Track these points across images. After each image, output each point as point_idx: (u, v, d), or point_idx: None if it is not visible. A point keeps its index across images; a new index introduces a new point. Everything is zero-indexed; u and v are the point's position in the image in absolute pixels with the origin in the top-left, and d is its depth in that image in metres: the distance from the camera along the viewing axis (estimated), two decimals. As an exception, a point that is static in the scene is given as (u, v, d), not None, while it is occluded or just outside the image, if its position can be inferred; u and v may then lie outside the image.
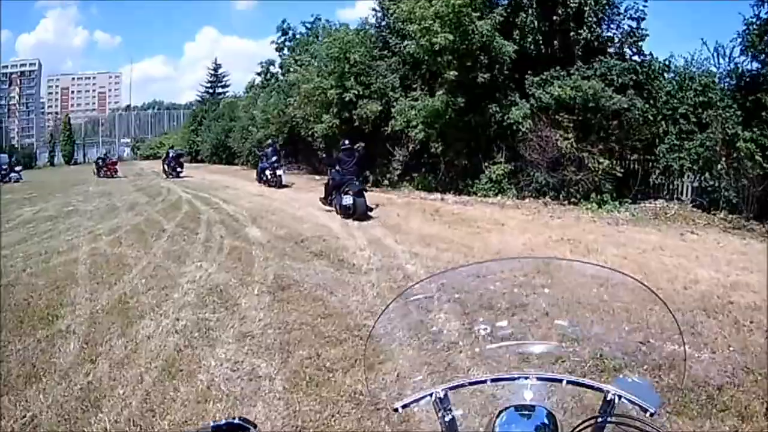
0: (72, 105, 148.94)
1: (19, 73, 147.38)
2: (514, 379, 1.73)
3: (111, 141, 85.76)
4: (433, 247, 12.30)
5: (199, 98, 68.34)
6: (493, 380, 1.75)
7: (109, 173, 44.93)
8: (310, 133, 23.95)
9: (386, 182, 22.21)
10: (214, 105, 54.90)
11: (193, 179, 32.87)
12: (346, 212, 15.81)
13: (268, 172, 26.17)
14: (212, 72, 73.08)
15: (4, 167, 60.96)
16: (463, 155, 20.20)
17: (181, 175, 35.21)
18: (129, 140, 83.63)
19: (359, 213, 15.60)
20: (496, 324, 2.14)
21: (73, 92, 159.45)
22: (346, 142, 18.08)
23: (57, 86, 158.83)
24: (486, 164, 19.56)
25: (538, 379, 1.73)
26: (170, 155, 38.69)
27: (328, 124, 21.77)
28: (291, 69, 27.27)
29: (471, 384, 1.76)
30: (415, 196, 19.66)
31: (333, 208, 16.80)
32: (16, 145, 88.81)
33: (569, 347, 2.07)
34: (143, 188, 29.56)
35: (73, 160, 76.31)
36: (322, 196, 17.94)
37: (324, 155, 26.23)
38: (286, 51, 34.25)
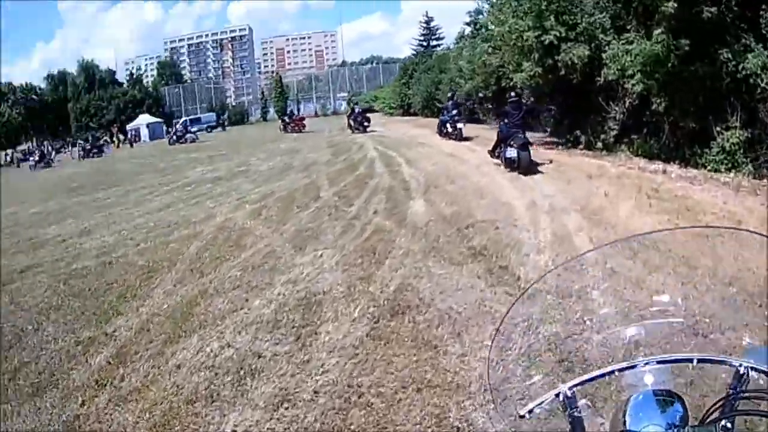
0: (289, 64, 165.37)
1: (229, 39, 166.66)
2: (638, 365, 1.65)
3: (326, 96, 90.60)
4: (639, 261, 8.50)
5: (413, 52, 68.28)
6: (619, 370, 1.66)
7: (297, 129, 47.94)
8: (511, 84, 20.76)
9: (599, 145, 18.43)
10: (426, 58, 54.07)
11: (390, 134, 32.74)
12: (511, 165, 15.94)
13: (448, 125, 25.87)
14: (424, 25, 72.63)
15: (211, 124, 66.32)
16: (691, 115, 15.78)
17: (368, 130, 36.32)
18: (345, 94, 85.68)
19: (523, 166, 15.49)
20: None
21: (288, 52, 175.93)
22: (512, 94, 18.23)
23: (271, 48, 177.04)
24: (717, 128, 14.99)
25: (665, 362, 1.69)
26: (356, 111, 39.72)
27: (528, 73, 18.44)
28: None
29: (596, 378, 1.68)
30: (632, 164, 15.64)
31: (500, 161, 16.84)
32: (233, 104, 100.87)
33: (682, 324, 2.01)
34: (335, 144, 30.56)
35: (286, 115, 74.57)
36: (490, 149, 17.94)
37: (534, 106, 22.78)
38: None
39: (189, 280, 9.35)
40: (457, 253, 9.05)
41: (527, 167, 15.54)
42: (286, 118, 52.85)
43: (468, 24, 37.80)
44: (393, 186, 15.42)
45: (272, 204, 14.95)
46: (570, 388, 1.63)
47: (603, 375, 1.67)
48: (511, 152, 15.93)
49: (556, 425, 1.71)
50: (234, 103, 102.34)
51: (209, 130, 69.36)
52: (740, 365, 1.57)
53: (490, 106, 30.72)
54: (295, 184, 17.76)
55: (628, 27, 17.02)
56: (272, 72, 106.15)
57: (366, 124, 37.17)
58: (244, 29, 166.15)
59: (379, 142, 27.87)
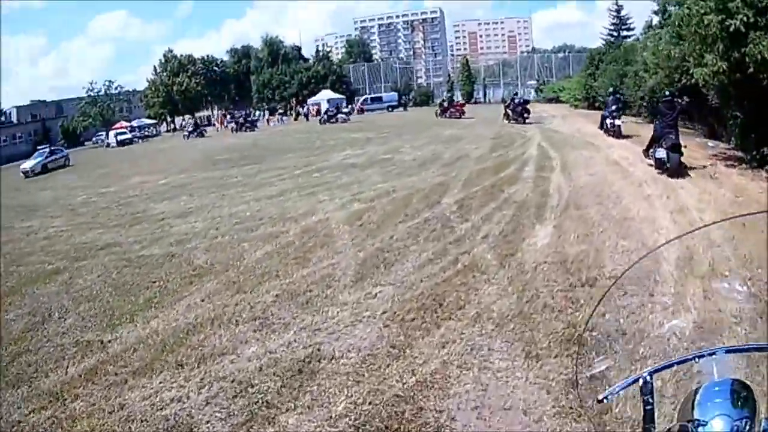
0: (481, 48, 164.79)
1: (420, 20, 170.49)
2: (715, 353, 1.75)
3: (515, 83, 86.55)
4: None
5: (603, 42, 62.92)
6: (698, 357, 1.76)
7: (456, 114, 47.09)
8: (692, 79, 17.98)
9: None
10: (614, 49, 49.61)
11: (563, 130, 29.90)
12: (660, 165, 15.73)
13: (608, 121, 25.46)
14: (614, 14, 67.75)
15: (392, 104, 66.47)
16: None
17: (528, 121, 34.73)
18: (533, 82, 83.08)
19: (672, 168, 15.27)
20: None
21: (480, 36, 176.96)
22: (667, 93, 18.08)
23: (464, 31, 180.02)
24: None
25: (737, 350, 1.85)
26: (515, 101, 38.34)
27: (711, 69, 15.50)
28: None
29: (675, 364, 1.82)
30: None
31: (652, 161, 16.48)
32: (422, 84, 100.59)
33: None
34: (500, 136, 28.12)
35: (473, 99, 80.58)
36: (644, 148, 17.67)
37: (721, 110, 20.22)
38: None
39: (215, 299, 8.44)
40: (548, 333, 6.16)
41: (676, 169, 15.32)
42: (445, 103, 51.93)
43: (656, 12, 34.08)
44: (529, 200, 12.96)
45: (382, 206, 13.47)
46: (650, 374, 1.72)
47: (683, 361, 1.79)
48: (661, 153, 15.77)
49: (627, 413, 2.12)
50: (424, 84, 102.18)
51: (390, 109, 69.85)
52: None
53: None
54: (426, 183, 16.00)
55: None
56: (464, 56, 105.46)
57: (525, 115, 35.84)
58: (435, 11, 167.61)
59: (547, 138, 25.80)
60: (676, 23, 17.19)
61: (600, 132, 26.14)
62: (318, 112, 73.15)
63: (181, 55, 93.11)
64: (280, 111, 71.60)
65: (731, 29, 14.61)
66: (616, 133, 24.59)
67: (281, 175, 19.82)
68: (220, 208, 15.17)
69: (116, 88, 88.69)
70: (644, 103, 31.42)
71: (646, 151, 17.49)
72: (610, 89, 29.21)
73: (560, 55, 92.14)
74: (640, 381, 1.70)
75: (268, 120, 69.30)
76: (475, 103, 77.89)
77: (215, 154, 31.59)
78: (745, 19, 14.41)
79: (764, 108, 16.03)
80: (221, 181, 20.23)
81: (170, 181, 21.36)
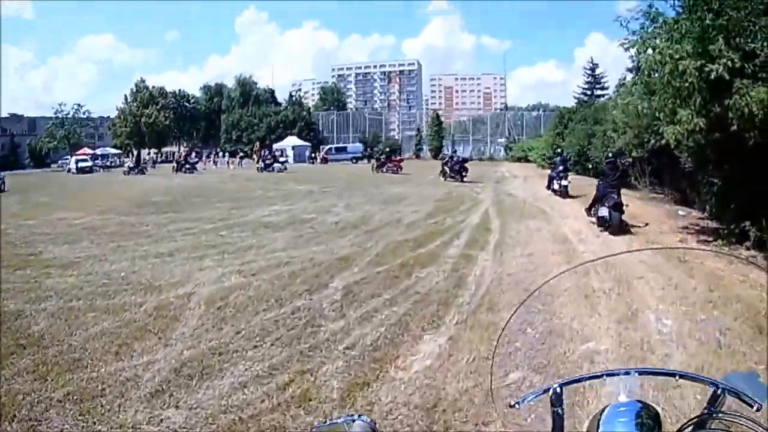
0: (456, 103, 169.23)
1: (397, 72, 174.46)
2: (625, 373, 1.80)
3: (485, 140, 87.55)
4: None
5: (576, 100, 65.38)
6: (606, 375, 1.83)
7: (393, 169, 46.51)
8: (662, 140, 15.44)
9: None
10: (586, 107, 49.80)
11: (519, 194, 28.47)
12: (602, 223, 16.37)
13: (555, 182, 26.36)
14: (589, 72, 71.07)
15: (357, 155, 64.41)
16: None
17: (465, 180, 35.31)
18: (503, 140, 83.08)
19: (614, 226, 15.93)
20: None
21: (456, 91, 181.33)
22: (610, 154, 19.42)
23: (440, 85, 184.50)
24: None
25: (648, 373, 1.92)
26: (453, 158, 38.85)
27: (686, 127, 12.66)
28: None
29: (585, 380, 1.91)
30: None
31: (595, 220, 17.16)
32: (396, 137, 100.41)
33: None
34: (449, 198, 25.71)
35: (441, 154, 75.50)
36: (587, 207, 18.63)
37: (695, 174, 19.14)
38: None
39: (12, 383, 6.53)
40: None
41: (617, 226, 16.03)
42: (382, 157, 50.80)
43: (630, 70, 31.94)
44: (435, 291, 10.03)
45: (260, 284, 10.70)
46: (560, 386, 1.76)
47: (592, 377, 1.87)
48: (603, 211, 16.41)
49: (539, 422, 1.89)
50: (397, 136, 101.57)
51: (354, 161, 68.18)
52: (719, 386, 1.69)
53: (646, 169, 26.24)
54: (330, 255, 13.25)
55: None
56: (436, 110, 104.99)
57: (464, 173, 36.15)
58: (413, 64, 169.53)
59: (498, 202, 24.14)
60: (647, 72, 14.38)
61: (557, 198, 24.59)
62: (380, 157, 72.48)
63: (153, 87, 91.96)
64: (241, 154, 68.49)
65: (712, 77, 11.74)
66: (563, 193, 25.21)
67: (190, 230, 17.57)
68: (102, 263, 12.93)
69: (84, 113, 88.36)
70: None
71: (588, 210, 18.20)
72: (558, 150, 31.47)
73: (534, 113, 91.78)
74: (551, 391, 1.74)
75: (228, 162, 67.72)
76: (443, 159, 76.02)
77: (149, 196, 29.50)
78: (729, 64, 11.53)
79: (746, 173, 13.27)
80: (131, 228, 18.23)
81: (86, 222, 19.51)
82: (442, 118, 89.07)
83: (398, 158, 52.31)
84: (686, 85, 12.46)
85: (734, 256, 13.61)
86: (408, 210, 21.09)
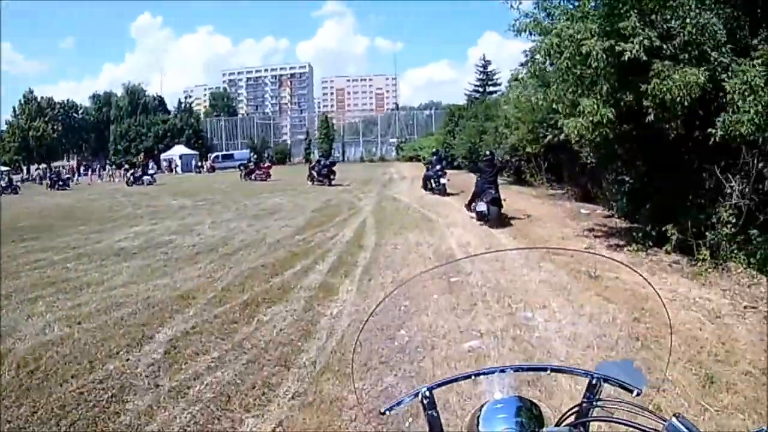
0: (348, 105, 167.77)
1: (289, 75, 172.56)
2: (495, 372, 1.80)
3: (375, 141, 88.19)
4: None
5: (467, 98, 63.98)
6: (476, 375, 1.80)
7: (262, 177, 46.41)
8: (560, 135, 13.62)
9: (705, 249, 10.63)
10: (477, 105, 48.21)
11: (404, 198, 26.74)
12: (481, 218, 17.10)
13: (432, 181, 26.94)
14: (481, 70, 70.75)
15: (244, 162, 62.52)
16: None
17: (333, 183, 36.43)
18: (394, 140, 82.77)
19: (492, 219, 16.67)
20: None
21: (348, 93, 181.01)
22: (488, 153, 20.05)
23: (332, 87, 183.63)
24: None
25: (521, 369, 1.88)
26: (321, 162, 40.24)
27: (590, 118, 10.53)
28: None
29: (455, 381, 1.84)
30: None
31: (474, 214, 17.78)
32: (288, 141, 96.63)
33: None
34: (329, 206, 24.03)
35: (331, 157, 71.19)
36: (467, 202, 19.14)
37: (598, 170, 18.76)
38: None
39: None
40: None
41: (495, 219, 16.71)
42: (251, 165, 50.59)
43: (523, 64, 30.15)
44: (274, 344, 8.06)
45: (59, 355, 8.09)
46: (429, 389, 1.72)
47: (461, 378, 1.80)
48: (482, 206, 17.07)
49: (419, 425, 1.79)
50: (289, 141, 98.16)
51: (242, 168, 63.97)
52: (593, 376, 1.68)
53: (542, 165, 25.83)
54: (167, 292, 11.06)
55: (759, 44, 9.44)
56: (326, 112, 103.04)
57: (332, 177, 36.80)
58: (305, 67, 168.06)
59: (380, 209, 22.50)
60: (542, 59, 12.29)
61: (451, 201, 23.52)
62: (170, 168, 69.07)
63: (42, 98, 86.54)
64: (126, 166, 63.92)
65: (624, 59, 9.60)
66: (441, 191, 25.69)
67: (38, 262, 15.10)
68: None
69: None
70: (505, 162, 29.15)
71: (468, 206, 18.76)
72: (434, 149, 32.39)
73: (426, 112, 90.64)
74: (420, 395, 1.70)
75: (112, 175, 63.91)
76: None
77: (17, 221, 25.90)
78: (646, 43, 9.42)
79: (663, 169, 11.33)
80: None
81: None
82: (334, 121, 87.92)
83: (266, 165, 50.79)
84: (589, 71, 10.39)
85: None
86: (277, 225, 19.28)
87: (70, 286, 12.01)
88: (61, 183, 51.55)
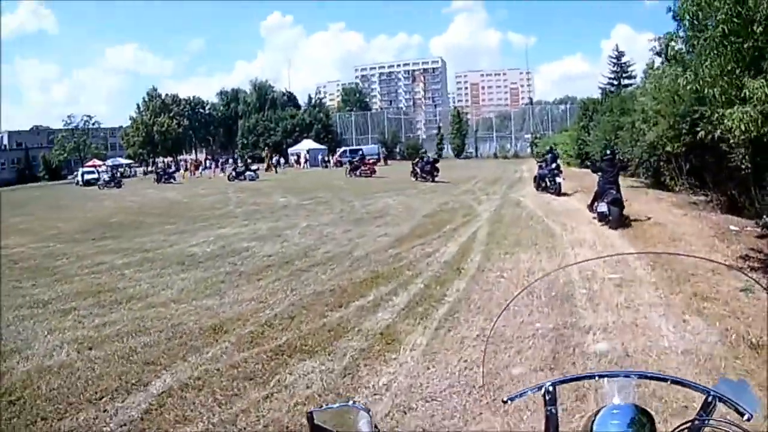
0: (483, 100, 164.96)
1: (421, 70, 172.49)
2: (619, 375, 1.79)
3: (509, 136, 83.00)
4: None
5: (601, 91, 58.98)
6: (599, 376, 1.82)
7: (367, 173, 45.40)
8: (717, 131, 10.47)
9: None
10: (612, 98, 43.13)
11: (529, 203, 22.93)
12: (602, 218, 16.55)
13: (547, 180, 25.22)
14: (614, 61, 65.01)
15: (373, 156, 59.93)
16: None
17: (437, 179, 35.68)
18: (529, 136, 77.15)
19: (614, 221, 16.04)
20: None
21: (483, 87, 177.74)
22: (608, 152, 19.26)
23: (466, 82, 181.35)
24: None
25: (643, 376, 1.86)
26: (423, 159, 39.40)
27: (761, 107, 7.52)
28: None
29: (578, 379, 1.93)
30: None
31: (596, 215, 17.27)
32: (422, 135, 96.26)
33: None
34: (440, 211, 20.90)
35: (464, 153, 75.86)
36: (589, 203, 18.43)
37: (747, 179, 16.34)
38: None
39: None
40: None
41: (617, 221, 16.03)
42: (355, 161, 49.29)
43: (658, 53, 26.62)
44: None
45: (45, 388, 6.89)
46: (552, 384, 1.73)
47: (585, 377, 1.89)
48: (603, 207, 16.46)
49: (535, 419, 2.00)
50: (424, 136, 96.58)
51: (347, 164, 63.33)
52: (710, 393, 1.65)
53: (683, 167, 21.66)
54: (201, 321, 9.16)
55: None
56: (461, 107, 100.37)
57: (435, 174, 36.25)
58: (437, 61, 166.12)
59: (497, 218, 18.89)
60: (686, 25, 9.40)
61: (576, 211, 20.05)
62: (298, 162, 68.50)
63: (166, 95, 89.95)
64: (249, 161, 64.32)
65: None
66: (556, 190, 24.38)
67: (102, 264, 14.42)
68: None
69: (94, 124, 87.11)
70: (643, 162, 25.72)
71: (590, 207, 18.01)
72: (547, 147, 31.20)
73: (561, 107, 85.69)
74: (543, 389, 1.72)
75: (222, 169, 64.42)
76: (466, 158, 72.68)
77: (108, 216, 26.20)
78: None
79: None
80: (45, 261, 15.30)
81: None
82: (468, 116, 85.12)
83: (371, 161, 50.45)
84: (757, 38, 7.55)
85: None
86: (375, 233, 16.92)
87: (110, 299, 10.83)
88: (166, 177, 52.85)
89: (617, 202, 16.31)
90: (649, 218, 16.56)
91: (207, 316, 9.24)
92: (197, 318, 9.12)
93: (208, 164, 70.49)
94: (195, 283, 11.66)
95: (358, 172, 45.24)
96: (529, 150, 71.25)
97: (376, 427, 1.64)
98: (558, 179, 24.67)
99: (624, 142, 26.78)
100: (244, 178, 47.33)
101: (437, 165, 37.18)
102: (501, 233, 15.69)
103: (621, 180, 19.84)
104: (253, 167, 52.54)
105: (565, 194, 23.53)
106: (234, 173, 49.10)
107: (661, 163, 23.27)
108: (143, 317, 9.32)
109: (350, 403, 1.62)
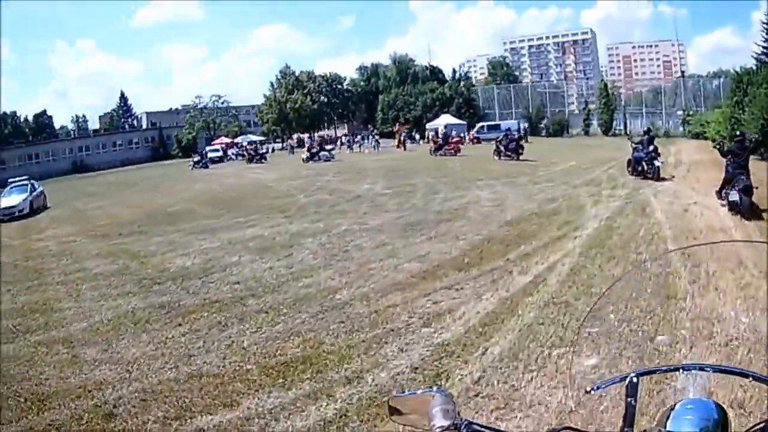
0: (636, 73, 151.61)
1: (571, 42, 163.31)
2: (699, 368, 1.75)
3: (658, 112, 72.34)
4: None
5: (756, 61, 48.54)
6: (683, 368, 1.76)
7: (451, 152, 42.18)
8: None
9: None
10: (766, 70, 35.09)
11: (662, 202, 17.29)
12: (733, 207, 15.07)
13: (644, 163, 22.57)
14: (767, 27, 53.87)
15: (514, 133, 55.71)
16: None
17: (521, 158, 33.00)
18: (681, 112, 66.24)
19: (744, 210, 14.68)
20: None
21: (635, 60, 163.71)
22: (738, 133, 18.31)
23: (617, 54, 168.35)
24: None
25: (723, 371, 1.86)
26: (508, 136, 36.25)
27: None
28: None
29: (662, 371, 1.90)
30: None
31: (725, 203, 15.61)
32: (575, 111, 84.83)
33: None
34: (509, 209, 16.32)
35: (612, 129, 67.46)
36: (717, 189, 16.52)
37: None
38: None
39: None
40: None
41: (747, 210, 14.74)
42: (440, 139, 45.30)
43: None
44: None
45: None
46: (637, 376, 1.72)
47: (671, 369, 1.81)
48: (734, 196, 15.01)
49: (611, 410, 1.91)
50: (576, 111, 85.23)
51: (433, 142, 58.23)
52: None
53: None
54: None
55: None
56: (617, 80, 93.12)
57: (520, 152, 33.75)
58: (587, 33, 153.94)
59: (607, 232, 13.55)
60: None
61: (725, 229, 14.88)
62: (436, 138, 65.03)
63: (301, 72, 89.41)
64: (377, 136, 63.48)
65: None
66: (655, 175, 22.17)
67: (80, 272, 13.51)
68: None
69: (223, 103, 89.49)
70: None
71: (719, 193, 16.22)
72: (645, 128, 30.34)
73: (715, 81, 76.18)
74: (627, 380, 1.71)
75: (360, 146, 60.90)
76: (614, 135, 64.30)
77: (169, 204, 25.27)
78: None
79: None
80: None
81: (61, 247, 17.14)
82: (622, 90, 78.74)
83: (455, 140, 46.49)
84: None
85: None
86: (427, 249, 12.88)
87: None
88: (258, 157, 51.31)
89: (748, 190, 15.04)
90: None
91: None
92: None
93: (344, 140, 68.13)
94: (118, 315, 9.16)
95: (442, 152, 42.12)
96: (681, 129, 63.79)
97: (458, 413, 1.59)
98: (656, 162, 22.60)
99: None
100: (319, 159, 44.34)
101: (522, 143, 35.40)
102: (596, 265, 10.46)
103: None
104: (328, 147, 50.22)
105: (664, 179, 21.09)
106: (308, 154, 45.57)
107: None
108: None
109: (434, 389, 1.58)
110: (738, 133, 17.88)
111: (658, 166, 22.39)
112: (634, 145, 24.91)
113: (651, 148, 23.28)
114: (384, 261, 12.03)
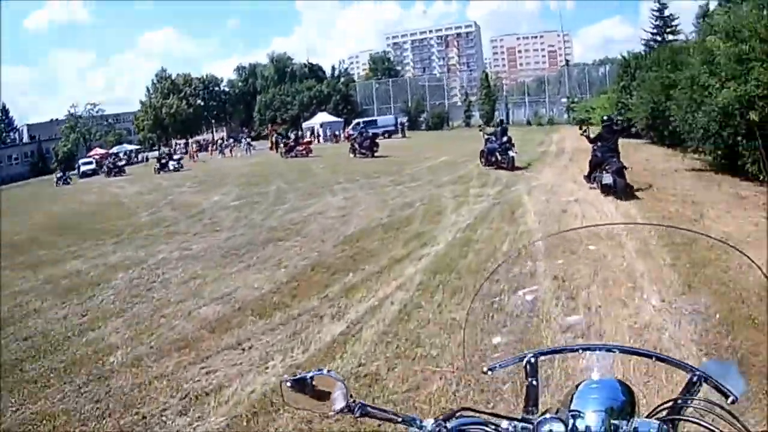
0: (520, 64, 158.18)
1: (455, 35, 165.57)
2: (602, 349, 1.78)
3: (542, 101, 73.57)
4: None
5: (644, 48, 50.23)
6: (583, 348, 1.81)
7: (303, 153, 41.51)
8: None
9: None
10: (659, 50, 35.53)
11: (535, 201, 15.70)
12: (606, 190, 15.34)
13: (498, 154, 23.27)
14: (656, 14, 56.70)
15: (389, 129, 56.77)
16: None
17: (377, 155, 32.90)
18: (565, 100, 67.95)
19: (620, 191, 15.03)
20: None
21: (519, 51, 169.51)
22: (605, 117, 18.32)
23: (502, 46, 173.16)
24: None
25: (626, 351, 1.87)
26: (363, 134, 36.70)
27: None
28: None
29: (561, 351, 1.89)
30: None
31: (596, 186, 15.94)
32: (456, 103, 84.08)
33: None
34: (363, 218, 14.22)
35: (494, 120, 62.42)
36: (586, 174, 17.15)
37: None
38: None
39: None
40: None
41: (622, 191, 15.06)
42: (290, 141, 45.01)
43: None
44: None
45: None
46: (535, 355, 1.73)
47: (568, 350, 1.84)
48: (608, 178, 15.27)
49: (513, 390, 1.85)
50: (458, 103, 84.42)
51: (387, 135, 55.32)
52: (696, 373, 1.64)
53: None
54: None
55: None
56: (501, 72, 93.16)
57: (375, 149, 34.24)
58: (471, 26, 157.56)
59: (448, 259, 10.91)
60: None
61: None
62: (285, 140, 62.72)
63: (177, 75, 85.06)
64: (248, 139, 60.00)
65: None
66: (509, 164, 22.68)
67: None
68: None
69: (97, 111, 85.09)
70: (710, 135, 17.14)
71: (588, 177, 16.78)
72: (498, 120, 32.09)
73: (601, 69, 76.64)
74: (525, 360, 1.72)
75: (231, 150, 58.32)
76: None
77: (35, 228, 22.22)
78: None
79: None
80: None
81: None
82: (506, 81, 78.52)
83: (305, 141, 47.29)
84: None
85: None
86: (248, 283, 10.57)
87: None
88: (116, 170, 47.52)
89: (621, 173, 15.36)
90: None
91: None
92: None
93: (222, 143, 64.58)
94: None
95: (293, 153, 41.25)
96: (566, 116, 63.31)
97: (351, 396, 1.57)
98: (510, 153, 23.09)
99: (680, 106, 18.78)
100: (168, 169, 41.80)
101: (376, 141, 35.42)
102: (419, 320, 7.76)
103: (681, 158, 19.86)
104: (176, 156, 47.96)
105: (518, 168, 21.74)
106: (158, 165, 43.18)
107: (738, 138, 15.20)
108: None
109: (325, 371, 1.57)
110: (605, 117, 18.20)
111: (513, 156, 22.81)
112: (486, 136, 25.32)
113: (505, 138, 23.69)
114: (182, 303, 9.70)
